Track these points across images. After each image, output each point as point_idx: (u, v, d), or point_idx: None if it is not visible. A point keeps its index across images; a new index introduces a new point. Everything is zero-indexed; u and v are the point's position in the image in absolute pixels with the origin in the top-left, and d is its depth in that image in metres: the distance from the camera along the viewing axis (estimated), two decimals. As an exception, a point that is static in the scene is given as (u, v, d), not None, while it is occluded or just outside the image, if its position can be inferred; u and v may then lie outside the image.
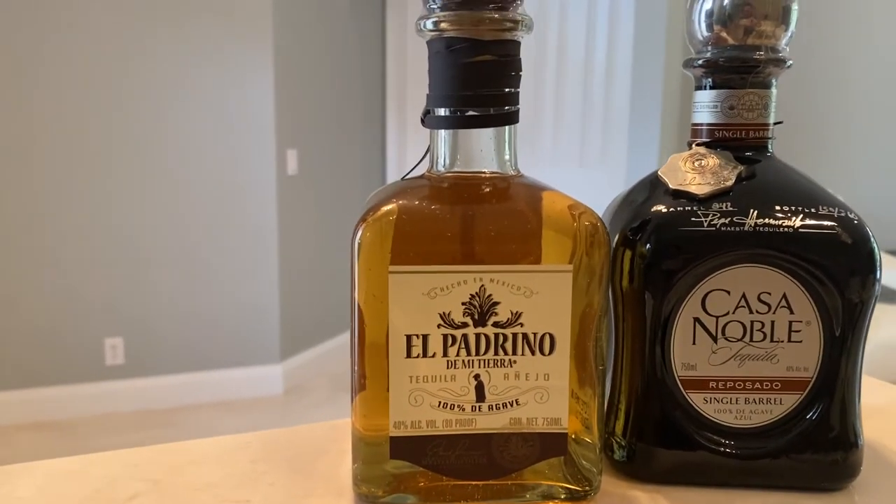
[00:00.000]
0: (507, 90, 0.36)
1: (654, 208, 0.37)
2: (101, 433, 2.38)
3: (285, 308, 2.69)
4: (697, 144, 0.39)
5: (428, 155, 0.38)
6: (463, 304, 0.34)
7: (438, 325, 0.34)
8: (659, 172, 0.39)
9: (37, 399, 2.45)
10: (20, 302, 2.41)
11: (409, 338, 0.34)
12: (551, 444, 0.35)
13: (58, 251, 2.42)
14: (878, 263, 0.36)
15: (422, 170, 0.38)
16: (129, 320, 2.53)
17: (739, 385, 0.37)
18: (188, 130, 2.49)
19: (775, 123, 0.39)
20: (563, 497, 0.36)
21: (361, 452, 0.35)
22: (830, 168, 3.11)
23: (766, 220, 0.36)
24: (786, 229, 0.35)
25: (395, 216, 0.34)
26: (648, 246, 0.37)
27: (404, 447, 0.35)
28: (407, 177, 0.38)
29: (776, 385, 0.37)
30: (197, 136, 2.50)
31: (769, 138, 0.39)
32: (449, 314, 0.34)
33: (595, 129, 2.75)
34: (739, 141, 0.38)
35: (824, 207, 0.36)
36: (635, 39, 2.61)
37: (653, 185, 0.39)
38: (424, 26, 0.35)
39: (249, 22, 2.50)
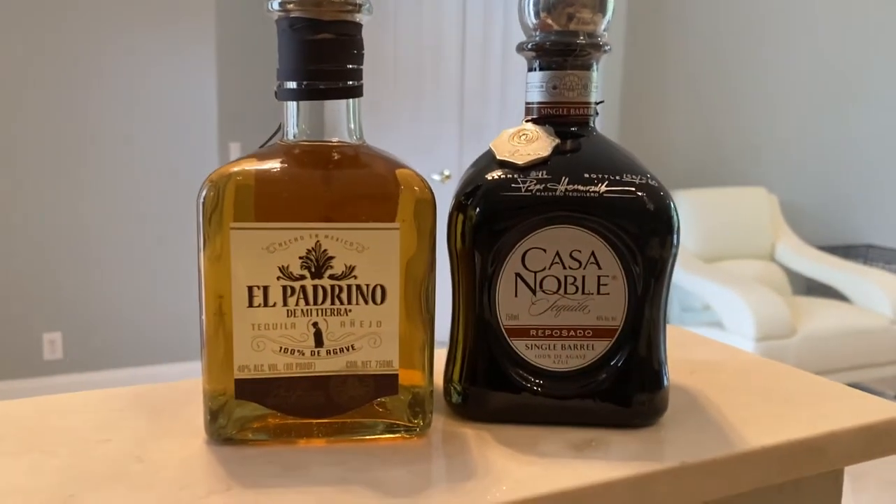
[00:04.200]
0: (348, 66, 0.40)
1: (484, 176, 0.42)
2: (38, 427, 2.36)
3: (228, 301, 2.69)
4: (527, 120, 0.44)
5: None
6: (300, 258, 0.38)
7: (278, 278, 0.38)
8: (491, 145, 0.43)
9: (-29, 394, 2.42)
10: (-47, 294, 2.37)
11: (250, 289, 0.38)
12: (384, 384, 0.40)
13: (-8, 243, 2.38)
14: (675, 227, 0.41)
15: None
16: (68, 315, 2.51)
17: (556, 333, 0.42)
18: (130, 124, 2.48)
19: (597, 103, 0.44)
20: (401, 432, 0.40)
21: (208, 398, 0.39)
22: (772, 166, 3.23)
23: (576, 187, 0.40)
24: (592, 194, 0.40)
25: (242, 176, 0.38)
26: (477, 210, 0.41)
27: (248, 389, 0.39)
28: (263, 146, 0.42)
29: (588, 333, 0.42)
30: (139, 129, 2.49)
31: (590, 115, 0.43)
32: (287, 267, 0.38)
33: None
34: (562, 118, 0.43)
35: (629, 175, 0.41)
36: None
37: (488, 157, 0.43)
38: (271, 6, 0.39)
39: (192, 15, 2.49)
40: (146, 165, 2.52)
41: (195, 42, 2.51)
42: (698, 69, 3.09)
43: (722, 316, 2.60)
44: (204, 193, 0.37)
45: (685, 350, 0.55)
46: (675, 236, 0.41)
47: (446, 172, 2.88)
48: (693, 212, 2.93)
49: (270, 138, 0.43)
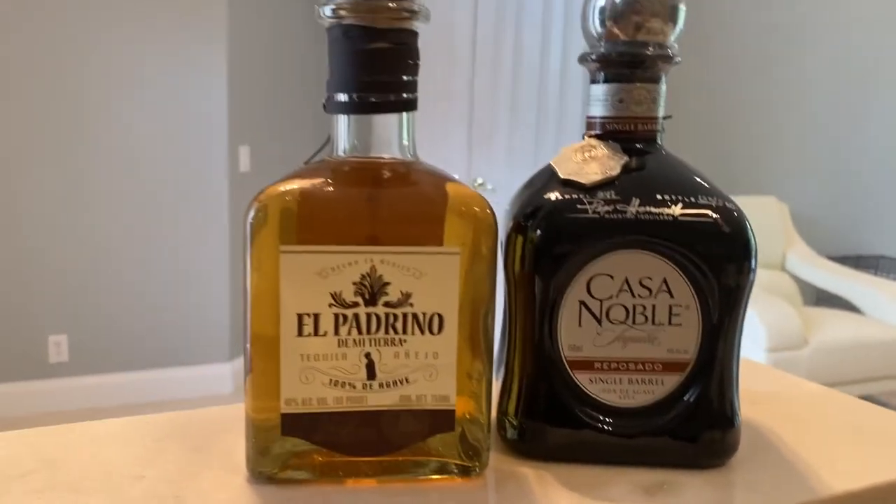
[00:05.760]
0: (404, 78, 0.37)
1: (545, 196, 0.39)
2: (43, 432, 2.33)
3: (235, 306, 2.67)
4: (590, 136, 0.41)
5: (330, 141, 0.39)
6: (354, 283, 0.35)
7: (330, 305, 0.35)
8: (552, 162, 0.40)
9: (-24, 397, 2.39)
10: (-42, 297, 2.34)
11: (300, 317, 0.35)
12: (440, 421, 0.37)
13: (0, 248, 2.36)
14: (753, 252, 0.38)
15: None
16: (74, 317, 2.48)
17: (623, 366, 0.39)
18: (140, 126, 2.45)
19: (665, 118, 0.41)
20: (454, 472, 0.37)
21: (253, 432, 0.36)
22: (780, 175, 3.20)
23: (647, 209, 0.37)
24: (665, 217, 0.37)
25: (290, 197, 0.35)
26: (538, 232, 0.38)
27: (295, 424, 0.36)
28: (309, 162, 0.39)
29: (657, 366, 0.39)
30: (148, 133, 2.47)
31: (658, 131, 0.41)
32: (340, 294, 0.35)
33: (549, 133, 2.78)
34: (629, 133, 0.40)
35: (704, 197, 0.38)
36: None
37: (548, 175, 0.41)
38: (323, 13, 0.36)
39: (203, 17, 2.47)
40: (155, 168, 2.50)
41: (206, 43, 2.49)
42: (709, 78, 3.07)
43: (735, 327, 2.56)
44: (252, 214, 0.35)
45: (742, 378, 0.52)
46: (752, 261, 0.38)
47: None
48: (706, 221, 2.90)
49: (318, 152, 0.40)
